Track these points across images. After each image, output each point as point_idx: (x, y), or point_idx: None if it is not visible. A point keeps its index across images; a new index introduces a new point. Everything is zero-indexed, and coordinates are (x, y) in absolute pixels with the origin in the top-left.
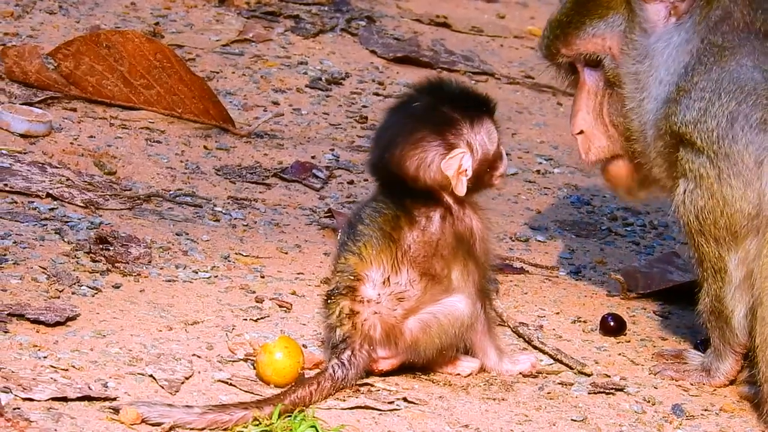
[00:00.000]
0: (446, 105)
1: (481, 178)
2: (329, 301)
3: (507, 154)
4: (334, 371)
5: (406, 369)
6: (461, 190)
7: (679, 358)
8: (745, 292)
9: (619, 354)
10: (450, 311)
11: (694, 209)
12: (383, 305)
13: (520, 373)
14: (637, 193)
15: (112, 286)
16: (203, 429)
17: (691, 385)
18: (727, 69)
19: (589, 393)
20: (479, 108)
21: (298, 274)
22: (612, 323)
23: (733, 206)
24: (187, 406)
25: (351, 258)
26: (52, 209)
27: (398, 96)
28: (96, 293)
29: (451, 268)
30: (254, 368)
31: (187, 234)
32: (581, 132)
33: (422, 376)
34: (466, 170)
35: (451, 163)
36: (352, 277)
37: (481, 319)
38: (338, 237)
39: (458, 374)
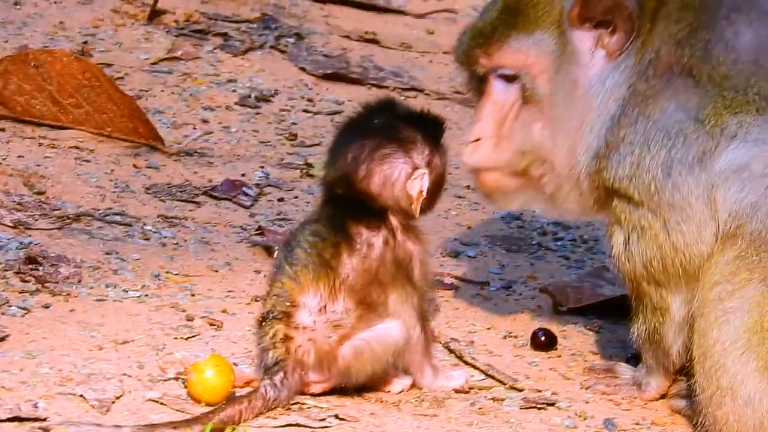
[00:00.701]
0: (406, 124)
1: (429, 201)
2: (263, 323)
3: None
4: (266, 391)
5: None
6: (415, 210)
7: (610, 372)
8: (686, 324)
9: (551, 369)
10: (383, 338)
11: (641, 258)
12: (318, 332)
13: (454, 389)
14: (505, 203)
15: (42, 306)
16: None
17: (623, 399)
18: (651, 118)
19: (520, 408)
20: (437, 129)
21: (229, 292)
22: (543, 338)
23: (690, 251)
24: (117, 426)
25: (288, 282)
26: None
27: (352, 114)
28: (26, 313)
29: (389, 294)
30: (185, 387)
31: (117, 253)
32: (478, 139)
33: (354, 394)
34: (422, 191)
35: (415, 183)
36: (288, 303)
37: (419, 340)
38: (275, 257)
39: (389, 391)
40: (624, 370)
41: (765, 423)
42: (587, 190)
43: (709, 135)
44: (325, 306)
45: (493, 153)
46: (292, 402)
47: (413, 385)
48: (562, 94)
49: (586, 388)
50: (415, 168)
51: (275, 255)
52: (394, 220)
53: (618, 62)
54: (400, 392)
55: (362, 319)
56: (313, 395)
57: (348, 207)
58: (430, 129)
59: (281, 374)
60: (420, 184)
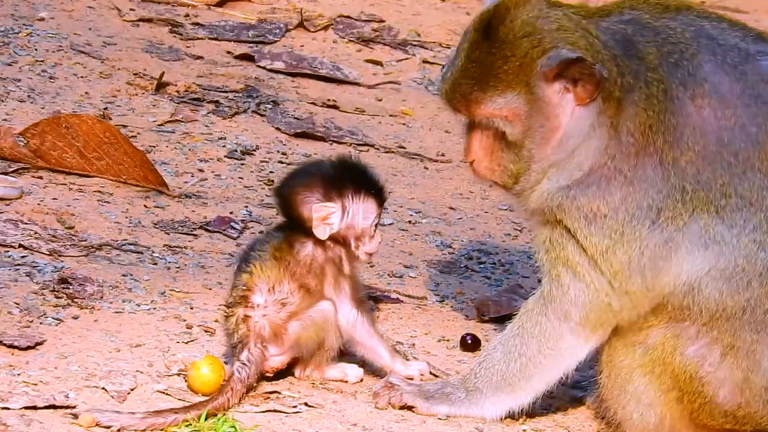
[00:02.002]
0: (347, 174)
1: (347, 242)
2: (227, 312)
3: (384, 209)
4: (239, 373)
5: (308, 380)
6: (320, 234)
7: (390, 386)
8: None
9: None
10: (320, 311)
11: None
12: (270, 308)
13: (408, 376)
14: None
15: (72, 317)
16: (144, 430)
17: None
18: (617, 190)
19: None
20: (370, 190)
21: (221, 305)
22: (470, 341)
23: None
24: (131, 412)
25: (244, 276)
26: (23, 257)
27: (299, 165)
28: (59, 323)
29: (323, 282)
30: (185, 381)
31: (132, 275)
32: (473, 161)
33: (319, 386)
34: (331, 223)
35: (320, 210)
36: (244, 288)
37: (360, 322)
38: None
39: (346, 381)
40: (396, 380)
41: (663, 422)
42: (546, 211)
43: (661, 230)
44: (273, 287)
45: (486, 171)
46: (270, 391)
47: (360, 380)
48: (537, 135)
49: (383, 406)
50: (328, 200)
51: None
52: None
53: (590, 120)
54: (356, 383)
55: (304, 301)
56: (274, 372)
57: (291, 222)
58: (365, 188)
59: (246, 352)
60: (325, 212)
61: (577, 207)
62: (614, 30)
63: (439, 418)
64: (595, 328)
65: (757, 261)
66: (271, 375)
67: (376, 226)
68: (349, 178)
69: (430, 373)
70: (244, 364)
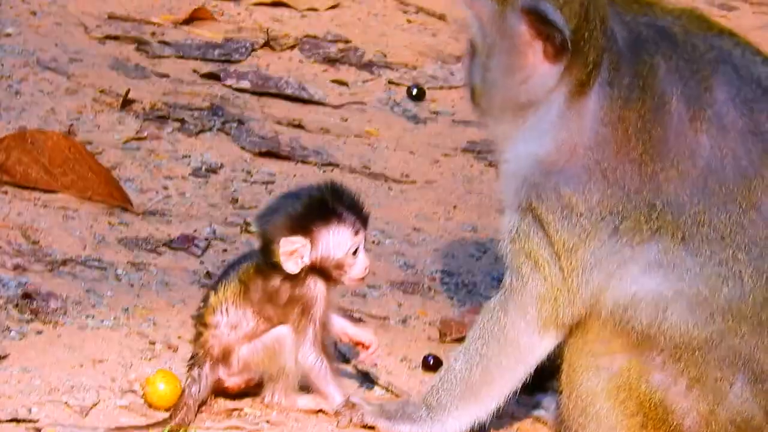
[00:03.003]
0: (317, 205)
1: (328, 272)
2: (194, 325)
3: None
4: (190, 388)
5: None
6: (290, 268)
7: (352, 406)
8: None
9: None
10: (275, 338)
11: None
12: (221, 330)
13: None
14: None
15: (36, 332)
16: None
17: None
18: (590, 183)
19: None
20: (343, 220)
21: (183, 322)
22: (431, 362)
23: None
24: (94, 427)
25: (212, 294)
26: None
27: (308, 186)
28: (22, 337)
29: (286, 318)
30: (143, 397)
31: (95, 291)
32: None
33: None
34: (302, 256)
35: (286, 245)
36: (204, 306)
37: (317, 367)
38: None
39: (320, 411)
40: (357, 400)
41: None
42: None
43: (616, 241)
44: (227, 309)
45: (464, 71)
46: (233, 408)
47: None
48: (501, 61)
49: (345, 425)
50: (294, 234)
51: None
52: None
53: (552, 82)
54: (319, 412)
55: (261, 326)
56: (232, 392)
57: (264, 255)
58: (338, 218)
59: (197, 368)
60: (291, 248)
61: (557, 196)
62: (632, 27)
63: None
64: (547, 325)
65: (720, 295)
66: (234, 393)
67: (355, 252)
68: (319, 209)
69: (393, 393)
70: (194, 379)
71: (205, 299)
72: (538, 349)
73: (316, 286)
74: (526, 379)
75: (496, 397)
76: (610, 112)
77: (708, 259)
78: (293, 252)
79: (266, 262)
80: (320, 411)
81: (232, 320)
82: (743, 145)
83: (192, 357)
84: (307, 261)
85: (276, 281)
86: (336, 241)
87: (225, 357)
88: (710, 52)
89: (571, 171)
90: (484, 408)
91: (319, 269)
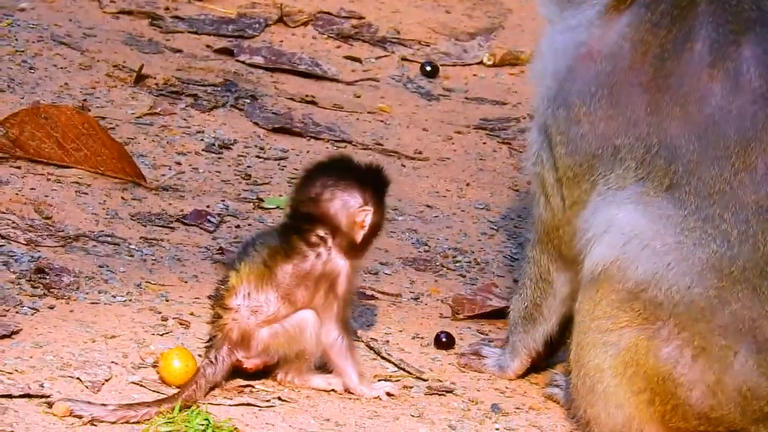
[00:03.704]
0: (365, 174)
1: (367, 237)
2: (211, 306)
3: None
4: (204, 370)
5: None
6: (359, 238)
7: (477, 354)
8: (563, 305)
9: (449, 363)
10: (297, 323)
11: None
12: (242, 313)
13: (373, 397)
14: None
15: (48, 307)
16: (115, 422)
17: (490, 377)
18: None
19: (425, 394)
20: (383, 186)
21: (196, 298)
22: (444, 339)
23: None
24: (103, 404)
25: (232, 273)
26: (0, 246)
27: (323, 159)
28: (35, 313)
29: (313, 298)
30: (157, 372)
31: (108, 266)
32: None
33: (293, 383)
34: (365, 226)
35: (362, 214)
36: (226, 288)
37: (338, 345)
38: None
39: (332, 391)
40: (487, 351)
41: (630, 422)
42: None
43: (613, 188)
44: (249, 293)
45: None
46: (244, 385)
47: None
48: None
49: (461, 367)
50: (366, 204)
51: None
52: (332, 242)
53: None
54: (331, 392)
55: (284, 310)
56: (250, 372)
57: (299, 225)
58: (379, 184)
59: (214, 350)
60: (365, 216)
61: (566, 108)
62: None
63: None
64: (558, 256)
65: (707, 251)
66: (251, 372)
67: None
68: (371, 177)
69: (405, 370)
70: (210, 362)
71: (223, 280)
72: (562, 277)
73: (340, 262)
74: (542, 353)
75: (548, 321)
76: (635, 31)
77: (692, 213)
78: (363, 221)
79: (298, 236)
80: (332, 390)
81: (254, 304)
82: (752, 105)
83: (210, 339)
84: (366, 229)
85: (307, 262)
86: (380, 207)
87: (244, 340)
88: (753, 12)
89: (584, 78)
90: (544, 327)
91: (344, 242)
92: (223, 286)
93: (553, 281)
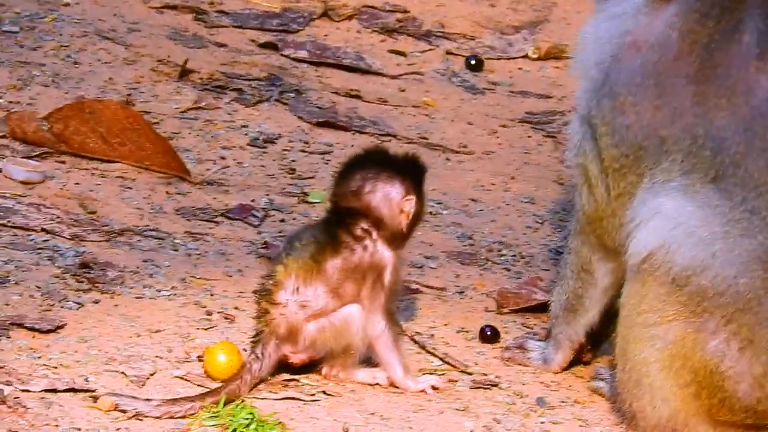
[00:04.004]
0: (404, 164)
1: (409, 226)
2: (257, 300)
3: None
4: (251, 365)
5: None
6: (403, 227)
7: (521, 348)
8: (605, 296)
9: (494, 357)
10: (343, 317)
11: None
12: (289, 309)
13: (418, 390)
14: None
15: (93, 302)
16: (159, 417)
17: (535, 371)
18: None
19: (470, 388)
20: (421, 174)
21: (240, 293)
22: (489, 333)
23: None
24: (147, 399)
25: (279, 267)
26: (45, 241)
27: (361, 151)
28: (80, 307)
29: (360, 290)
30: (203, 367)
31: (152, 261)
32: None
33: (338, 377)
34: (409, 215)
35: (405, 204)
36: (274, 283)
37: (385, 336)
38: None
39: (377, 384)
40: (532, 345)
41: (676, 416)
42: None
43: (660, 181)
44: (297, 288)
45: None
46: (288, 379)
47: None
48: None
49: (506, 360)
50: (408, 193)
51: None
52: (376, 234)
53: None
54: (375, 385)
55: (332, 304)
56: (296, 366)
57: (342, 219)
58: (418, 173)
59: (260, 345)
60: (410, 206)
61: (611, 99)
62: None
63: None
64: (600, 247)
65: (754, 242)
66: (297, 367)
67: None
68: (411, 167)
69: (450, 364)
70: (257, 357)
71: (270, 275)
72: (603, 268)
73: (386, 253)
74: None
75: (589, 312)
76: (683, 21)
77: (738, 204)
78: (407, 211)
79: (344, 229)
80: (377, 384)
81: (302, 299)
82: None
83: (256, 334)
84: (410, 218)
85: (355, 255)
86: (420, 196)
87: (291, 335)
88: None
89: (629, 68)
90: (585, 319)
91: (388, 233)
92: (269, 281)
93: (594, 271)
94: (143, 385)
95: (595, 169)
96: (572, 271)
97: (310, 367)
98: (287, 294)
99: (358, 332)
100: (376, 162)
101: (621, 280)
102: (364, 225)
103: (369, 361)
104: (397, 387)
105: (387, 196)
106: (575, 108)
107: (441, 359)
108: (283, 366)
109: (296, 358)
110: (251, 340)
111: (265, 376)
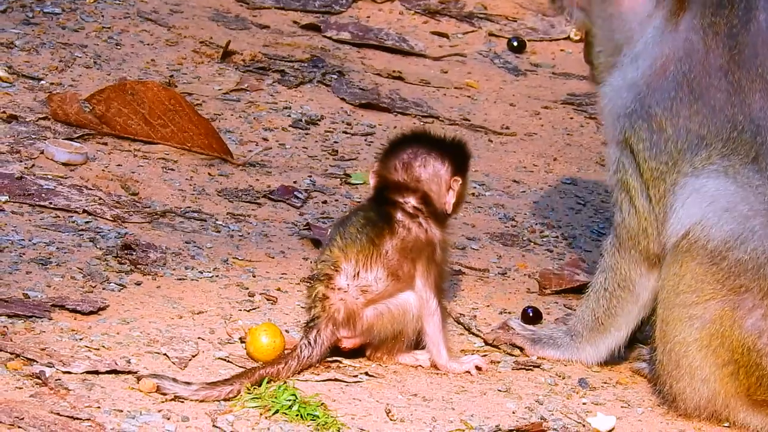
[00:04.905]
0: (450, 147)
1: (455, 205)
2: (310, 285)
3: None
4: (300, 351)
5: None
6: (449, 207)
7: (505, 326)
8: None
9: None
10: (401, 303)
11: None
12: (349, 294)
13: (463, 372)
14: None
15: (135, 284)
16: (201, 401)
17: (530, 353)
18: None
19: (512, 369)
20: (466, 157)
21: (283, 274)
22: (531, 314)
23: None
24: (187, 382)
25: (336, 252)
26: (87, 222)
27: (406, 132)
28: (122, 289)
29: (416, 268)
30: (245, 348)
31: (195, 242)
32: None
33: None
34: (454, 194)
35: (453, 185)
36: (332, 267)
37: (436, 316)
38: (328, 233)
39: (420, 366)
40: (514, 324)
41: (716, 397)
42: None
43: (700, 169)
44: (358, 273)
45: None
46: (331, 361)
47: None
48: (602, 22)
49: (492, 341)
50: (455, 174)
51: (328, 232)
52: (425, 210)
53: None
54: (418, 367)
55: (390, 288)
56: (347, 350)
57: (391, 198)
58: (465, 157)
59: (315, 331)
60: (457, 187)
61: (648, 119)
62: None
63: (544, 361)
64: (644, 259)
65: None
66: (346, 351)
67: None
68: (457, 149)
69: (492, 345)
70: (309, 343)
71: (325, 260)
72: (645, 283)
73: (436, 231)
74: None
75: (621, 330)
76: (701, 18)
77: None
78: (455, 190)
79: (394, 208)
80: (419, 366)
81: (363, 283)
82: None
83: (312, 320)
84: (455, 198)
85: (411, 234)
86: (465, 178)
87: (350, 320)
88: None
89: (662, 88)
90: (613, 340)
91: (435, 211)
92: (327, 266)
93: (634, 287)
94: (185, 366)
95: (635, 182)
96: (606, 289)
97: (355, 349)
98: (347, 279)
99: (412, 320)
100: (426, 141)
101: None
102: (414, 201)
103: (411, 343)
104: (439, 369)
105: (437, 173)
106: (607, 137)
107: (484, 340)
108: (336, 352)
109: (349, 343)
110: (305, 325)
111: (314, 362)
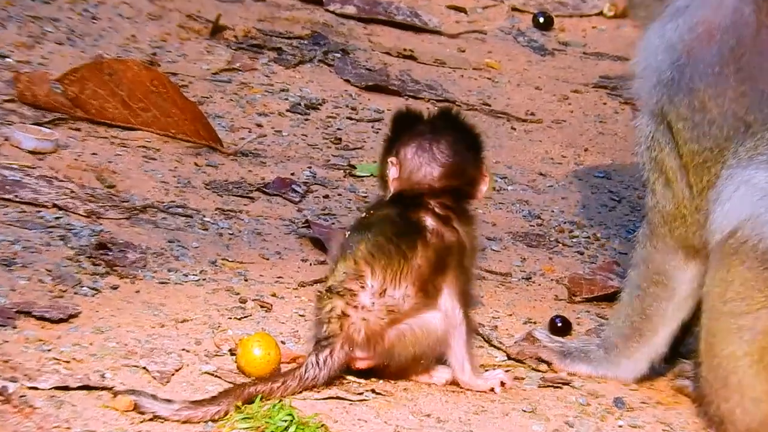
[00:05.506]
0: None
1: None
2: (325, 296)
3: None
4: (305, 370)
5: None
6: (481, 196)
7: (530, 338)
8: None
9: None
10: (425, 325)
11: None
12: (373, 313)
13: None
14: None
15: (111, 287)
16: (182, 421)
17: (549, 361)
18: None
19: (539, 386)
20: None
21: (278, 278)
22: (559, 324)
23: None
24: (168, 400)
25: (362, 264)
26: (57, 218)
27: (437, 114)
28: (96, 293)
29: (445, 278)
30: (235, 361)
31: (179, 241)
32: None
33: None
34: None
35: (485, 177)
36: (357, 282)
37: (462, 325)
38: (346, 236)
39: (434, 383)
40: (541, 335)
41: None
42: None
43: (746, 164)
44: (385, 290)
45: None
46: (334, 377)
47: (453, 382)
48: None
49: (516, 354)
50: (486, 169)
51: (345, 235)
52: (458, 209)
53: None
54: (442, 384)
55: (415, 306)
56: (358, 370)
57: (418, 200)
58: (481, 149)
59: (328, 351)
60: (486, 179)
61: (689, 95)
62: None
63: (575, 379)
64: (681, 248)
65: None
66: (355, 370)
67: None
68: (480, 143)
69: (516, 360)
70: (317, 363)
71: (348, 272)
72: (681, 276)
73: (464, 232)
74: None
75: (659, 334)
76: None
77: None
78: (487, 182)
79: (421, 210)
80: (432, 384)
81: (389, 302)
82: None
83: (327, 338)
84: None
85: (445, 240)
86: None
87: (369, 342)
88: None
89: (704, 59)
90: (651, 345)
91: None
92: (349, 279)
93: (669, 281)
94: (167, 382)
95: (673, 162)
96: (639, 287)
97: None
98: (373, 296)
99: (435, 343)
100: (446, 122)
101: (699, 290)
102: (444, 200)
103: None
104: (459, 385)
105: (474, 160)
106: (637, 101)
107: (506, 353)
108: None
109: (363, 364)
110: (316, 343)
111: (319, 384)
